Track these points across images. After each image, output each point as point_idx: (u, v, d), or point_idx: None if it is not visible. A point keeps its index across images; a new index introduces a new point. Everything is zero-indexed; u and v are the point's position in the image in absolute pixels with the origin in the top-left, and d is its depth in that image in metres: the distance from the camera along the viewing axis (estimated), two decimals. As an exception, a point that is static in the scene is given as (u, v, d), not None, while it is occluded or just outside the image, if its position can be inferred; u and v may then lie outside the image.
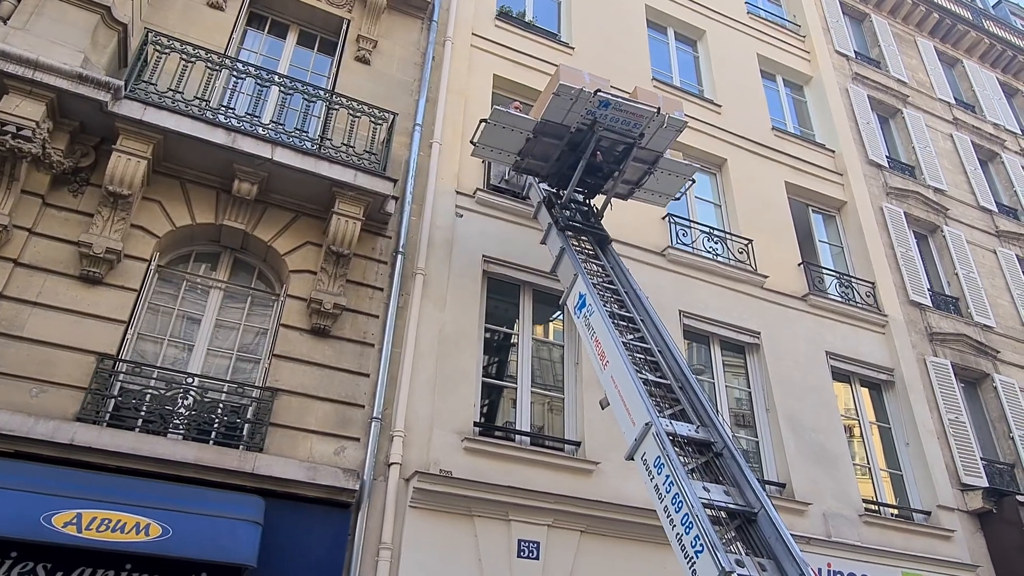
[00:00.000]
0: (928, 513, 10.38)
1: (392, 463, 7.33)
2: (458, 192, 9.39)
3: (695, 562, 4.62)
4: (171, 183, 7.63)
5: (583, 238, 7.95)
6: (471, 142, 7.72)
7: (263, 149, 7.54)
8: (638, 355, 6.44)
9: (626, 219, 10.17)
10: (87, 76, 6.84)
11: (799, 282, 11.40)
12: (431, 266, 8.65)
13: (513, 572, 7.29)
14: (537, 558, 7.46)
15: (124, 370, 6.79)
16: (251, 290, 7.94)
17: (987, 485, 10.81)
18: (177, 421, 6.64)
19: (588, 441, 8.43)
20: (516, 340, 9.16)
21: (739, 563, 4.62)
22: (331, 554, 6.64)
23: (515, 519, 7.52)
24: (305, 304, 7.64)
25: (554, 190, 8.29)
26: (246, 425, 6.94)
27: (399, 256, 8.43)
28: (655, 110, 7.32)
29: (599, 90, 7.08)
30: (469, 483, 7.41)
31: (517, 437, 8.38)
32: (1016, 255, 14.63)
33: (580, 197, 8.25)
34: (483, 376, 8.64)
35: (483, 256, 9.12)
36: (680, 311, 9.98)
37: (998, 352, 12.67)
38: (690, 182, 8.38)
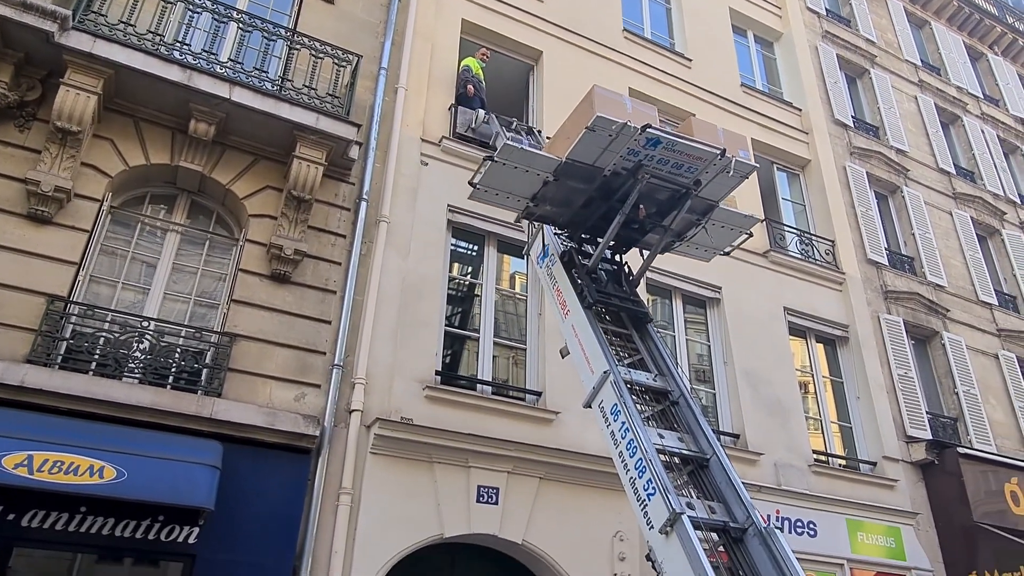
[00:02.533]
0: (874, 464, 10.79)
1: (353, 410, 7.34)
2: (423, 140, 9.22)
3: (647, 504, 4.75)
4: (124, 121, 7.35)
5: (613, 314, 6.44)
6: (470, 183, 6.38)
7: (221, 88, 7.29)
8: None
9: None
10: (32, 4, 6.50)
11: (761, 238, 11.53)
12: (395, 214, 8.54)
13: (472, 516, 7.42)
14: (496, 503, 7.60)
15: (76, 312, 6.63)
16: (209, 234, 7.77)
17: (931, 438, 11.25)
18: (132, 365, 6.53)
19: (549, 391, 8.53)
20: (480, 291, 9.15)
21: (690, 506, 4.77)
22: (290, 499, 6.67)
23: (475, 466, 7.62)
24: (265, 249, 7.51)
25: (569, 239, 6.80)
26: (204, 370, 6.87)
27: (362, 203, 8.30)
28: (719, 152, 5.81)
29: (648, 126, 5.56)
30: (430, 430, 7.46)
31: (479, 386, 8.44)
32: (971, 217, 14.98)
33: (607, 252, 6.76)
34: (446, 326, 8.65)
35: (448, 206, 9.03)
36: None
37: (948, 311, 13.07)
38: (746, 235, 6.86)
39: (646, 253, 6.77)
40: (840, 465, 10.67)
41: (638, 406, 5.45)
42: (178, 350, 6.86)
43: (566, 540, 7.76)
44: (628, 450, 5.08)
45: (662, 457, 5.11)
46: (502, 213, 8.92)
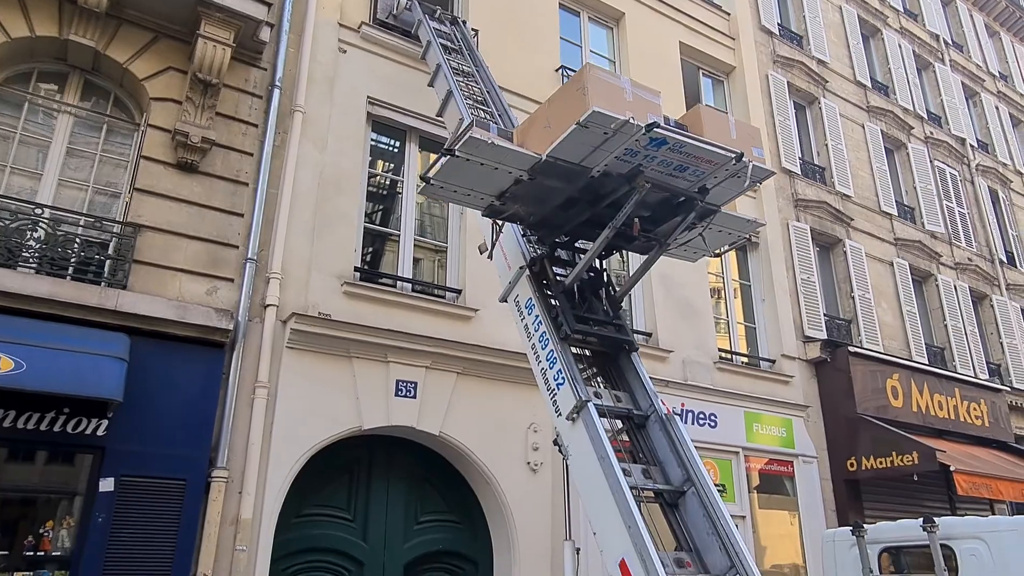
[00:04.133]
0: (773, 361, 11.53)
1: (268, 305, 7.22)
2: (341, 24, 8.74)
3: (556, 394, 4.95)
4: (2, -14, 6.63)
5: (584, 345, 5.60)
6: (422, 178, 5.23)
7: (112, -47, 6.64)
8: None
9: (516, 68, 9.93)
10: None
11: (683, 144, 11.65)
12: (311, 104, 8.16)
13: (391, 409, 7.58)
14: (415, 397, 7.76)
15: (-41, 197, 6.16)
16: (107, 117, 7.26)
17: (826, 338, 12.06)
18: (27, 255, 6.18)
19: (469, 289, 8.61)
20: (401, 188, 8.98)
21: (596, 395, 4.99)
22: (205, 392, 6.61)
23: (394, 361, 7.71)
24: (169, 136, 7.08)
25: (540, 243, 5.84)
26: (107, 261, 6.57)
27: (275, 90, 7.88)
28: (733, 156, 4.84)
29: (655, 124, 4.53)
30: (348, 326, 7.46)
31: (399, 284, 8.43)
32: (881, 130, 15.55)
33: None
34: (366, 223, 8.51)
35: (368, 97, 8.68)
36: (566, 166, 10.00)
37: (852, 220, 13.73)
38: (744, 239, 6.13)
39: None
40: (742, 362, 11.34)
41: (552, 300, 5.57)
42: (77, 240, 6.52)
43: (482, 431, 8.05)
44: (540, 343, 5.24)
45: (572, 350, 5.30)
46: (425, 107, 8.68)
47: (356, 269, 8.01)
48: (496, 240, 5.87)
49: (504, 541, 8.02)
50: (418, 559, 7.74)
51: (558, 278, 5.58)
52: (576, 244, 5.93)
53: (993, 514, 11.54)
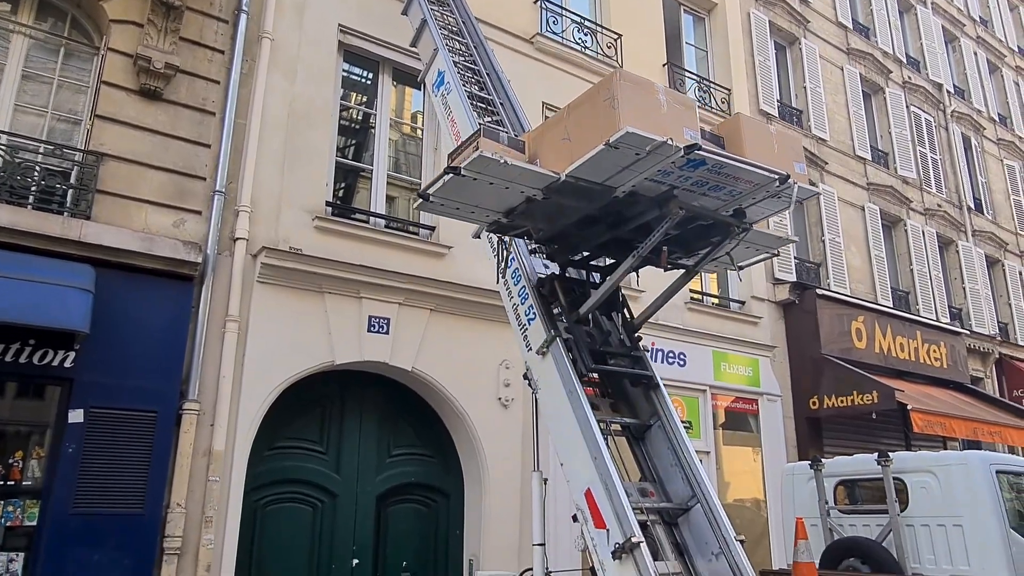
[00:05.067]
0: (743, 303, 11.71)
1: (238, 238, 7.12)
2: (311, -53, 8.37)
3: (527, 329, 5.00)
4: None
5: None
6: (418, 195, 4.80)
7: None
8: (493, 139, 6.32)
9: (494, -2, 9.65)
10: None
11: (661, 82, 11.50)
12: (279, 31, 7.88)
13: (363, 345, 7.60)
14: (387, 333, 7.78)
15: (-90, 121, 5.91)
16: (64, 39, 6.94)
17: (795, 280, 12.25)
18: (-16, 182, 5.99)
19: (443, 226, 8.54)
20: (374, 122, 8.79)
21: (567, 330, 5.02)
22: (174, 325, 6.55)
23: (366, 297, 7.70)
24: (131, 61, 6.81)
25: (549, 258, 5.51)
26: (70, 191, 6.38)
27: (242, 15, 7.57)
28: (776, 178, 4.33)
29: (695, 146, 3.96)
30: (320, 260, 7.40)
31: (372, 219, 8.34)
32: (860, 73, 15.47)
33: (595, 275, 5.54)
34: (338, 157, 8.35)
35: (339, 26, 8.40)
36: (543, 103, 9.87)
37: (827, 163, 13.78)
38: (773, 254, 5.40)
39: None
40: (713, 303, 11.51)
41: (524, 238, 5.56)
42: (37, 168, 6.31)
43: (455, 368, 8.13)
44: (513, 279, 5.25)
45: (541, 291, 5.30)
46: (399, 38, 8.44)
47: (328, 204, 7.89)
48: (505, 264, 5.35)
49: (475, 474, 8.21)
50: (390, 491, 7.90)
51: (570, 309, 5.05)
52: (590, 262, 5.49)
53: (946, 450, 12.04)
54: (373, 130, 8.77)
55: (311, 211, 7.62)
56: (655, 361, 9.67)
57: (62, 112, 6.78)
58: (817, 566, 6.22)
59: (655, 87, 4.18)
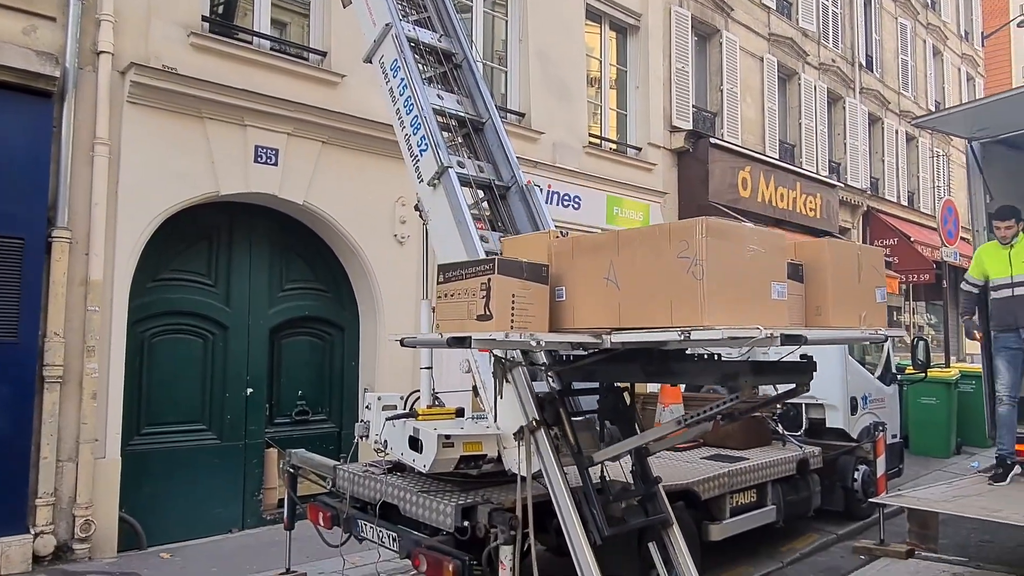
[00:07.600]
0: (639, 149, 11.90)
1: (101, 52, 6.43)
2: None
3: (419, 160, 4.90)
4: None
5: None
6: None
7: None
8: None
9: None
10: None
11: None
12: None
13: (250, 175, 7.28)
14: (276, 164, 7.46)
15: None
16: None
17: (691, 128, 12.48)
18: None
19: (335, 52, 8.03)
20: (255, -74, 7.87)
21: (460, 164, 4.97)
22: (35, 146, 6.01)
23: (252, 125, 7.27)
24: None
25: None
26: None
27: None
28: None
29: (801, 338, 3.21)
30: (198, 82, 6.84)
31: (255, 40, 7.70)
32: (775, -85, 15.05)
33: None
34: (214, -36, 7.52)
35: None
36: None
37: (732, 10, 13.67)
38: None
39: None
40: (610, 148, 11.63)
41: (420, 65, 5.31)
42: None
43: (349, 203, 7.97)
44: (405, 107, 5.06)
45: (439, 118, 5.16)
46: None
47: (204, 19, 7.20)
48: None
49: (370, 308, 8.33)
50: (284, 323, 7.93)
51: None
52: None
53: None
54: (255, -63, 7.88)
55: (186, 26, 6.94)
56: (550, 204, 9.86)
57: None
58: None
59: (743, 234, 3.25)
